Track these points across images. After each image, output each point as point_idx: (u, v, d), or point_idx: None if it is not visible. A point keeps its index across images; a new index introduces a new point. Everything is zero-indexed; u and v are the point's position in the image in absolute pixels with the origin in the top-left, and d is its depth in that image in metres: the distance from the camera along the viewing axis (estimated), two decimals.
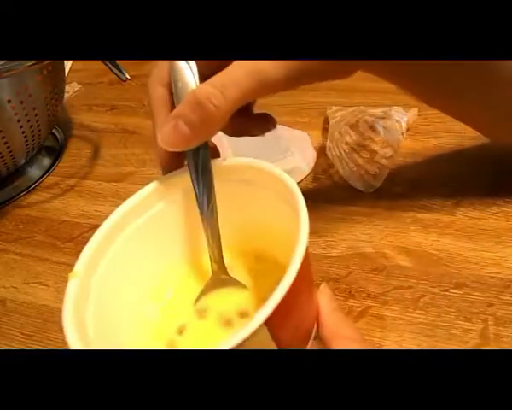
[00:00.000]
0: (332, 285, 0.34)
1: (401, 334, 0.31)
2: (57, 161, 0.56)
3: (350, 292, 0.34)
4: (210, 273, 0.29)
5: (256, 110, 0.34)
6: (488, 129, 0.37)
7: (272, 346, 0.21)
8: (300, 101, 0.54)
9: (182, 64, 0.28)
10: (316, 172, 0.45)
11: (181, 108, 0.26)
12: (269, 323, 0.19)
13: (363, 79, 0.34)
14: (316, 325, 0.25)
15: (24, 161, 0.53)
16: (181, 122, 0.26)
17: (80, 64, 0.77)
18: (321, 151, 0.46)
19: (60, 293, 0.39)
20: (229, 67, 0.26)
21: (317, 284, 0.27)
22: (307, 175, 0.45)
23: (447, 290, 0.32)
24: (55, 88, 0.52)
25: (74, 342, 0.21)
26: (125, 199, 0.28)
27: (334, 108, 0.44)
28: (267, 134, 0.33)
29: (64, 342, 0.21)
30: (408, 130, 0.43)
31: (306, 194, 0.24)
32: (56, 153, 0.58)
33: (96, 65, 0.69)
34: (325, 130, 0.44)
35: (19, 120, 0.48)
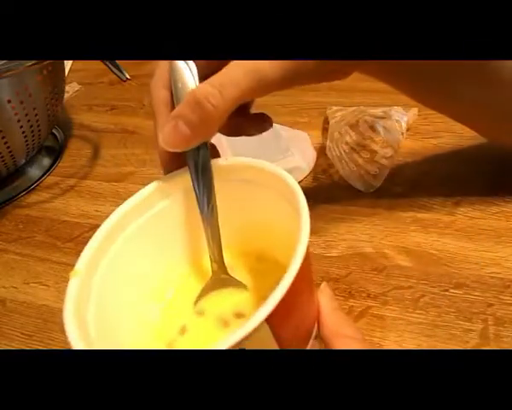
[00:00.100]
0: (332, 285, 0.34)
1: (401, 334, 0.31)
2: (57, 161, 0.56)
3: (350, 292, 0.34)
4: (210, 273, 0.29)
5: (256, 110, 0.34)
6: (487, 130, 0.37)
7: (273, 344, 0.21)
8: (300, 101, 0.54)
9: (181, 65, 0.28)
10: (316, 172, 0.45)
11: (180, 108, 0.27)
12: (270, 321, 0.19)
13: (363, 79, 0.34)
14: (316, 325, 0.25)
15: (24, 161, 0.53)
16: (181, 122, 0.26)
17: (80, 64, 0.77)
18: (321, 151, 0.46)
19: (60, 293, 0.39)
20: (228, 67, 0.27)
21: (317, 283, 0.27)
22: (307, 175, 0.45)
23: (447, 290, 0.32)
24: (55, 88, 0.52)
25: (76, 342, 0.21)
26: (125, 199, 0.28)
27: (334, 108, 0.44)
28: (267, 134, 0.33)
29: (64, 342, 0.21)
30: (408, 130, 0.43)
31: (306, 194, 0.24)
32: (56, 153, 0.58)
33: (96, 65, 0.69)
34: (325, 130, 0.44)
35: (19, 120, 0.48)
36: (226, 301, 0.29)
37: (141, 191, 0.28)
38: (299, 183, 0.25)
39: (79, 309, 0.23)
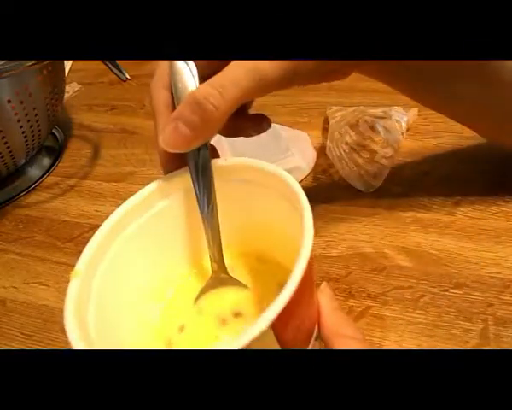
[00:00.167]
0: (332, 285, 0.34)
1: (401, 334, 0.31)
2: (57, 161, 0.56)
3: (350, 292, 0.34)
4: (210, 273, 0.29)
5: (255, 110, 0.34)
6: (487, 130, 0.37)
7: (276, 347, 0.21)
8: (300, 101, 0.54)
9: (181, 65, 0.28)
10: (316, 172, 0.45)
11: (181, 109, 0.27)
12: (274, 325, 0.19)
13: (363, 79, 0.34)
14: (317, 325, 0.25)
15: (24, 161, 0.53)
16: (181, 123, 0.26)
17: (80, 64, 0.77)
18: (321, 151, 0.46)
19: (60, 293, 0.39)
20: (228, 68, 0.27)
21: (317, 283, 0.27)
22: (307, 175, 0.45)
23: (447, 290, 0.32)
24: (55, 88, 0.52)
25: (77, 342, 0.21)
26: (125, 199, 0.28)
27: (334, 108, 0.44)
28: (267, 134, 0.33)
29: (65, 342, 0.21)
30: (408, 130, 0.43)
31: (306, 194, 0.24)
32: (56, 153, 0.58)
33: (96, 65, 0.69)
34: (325, 130, 0.44)
35: (19, 120, 0.48)
36: (225, 300, 0.29)
37: (141, 191, 0.28)
38: (299, 183, 0.25)
39: (80, 309, 0.23)
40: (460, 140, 0.43)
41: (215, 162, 0.28)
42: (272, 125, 0.33)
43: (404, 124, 0.40)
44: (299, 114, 0.53)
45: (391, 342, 0.30)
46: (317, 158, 0.46)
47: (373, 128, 0.40)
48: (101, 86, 0.71)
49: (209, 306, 0.29)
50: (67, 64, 0.75)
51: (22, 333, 0.37)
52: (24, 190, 0.52)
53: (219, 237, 0.29)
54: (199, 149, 0.28)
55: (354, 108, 0.43)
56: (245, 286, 0.29)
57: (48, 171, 0.55)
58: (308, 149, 0.47)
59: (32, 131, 0.50)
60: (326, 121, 0.44)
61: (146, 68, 0.69)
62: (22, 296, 0.40)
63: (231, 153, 0.44)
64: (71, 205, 0.49)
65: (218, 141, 0.40)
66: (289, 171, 0.26)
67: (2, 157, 0.49)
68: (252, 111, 0.34)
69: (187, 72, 0.28)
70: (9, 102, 0.46)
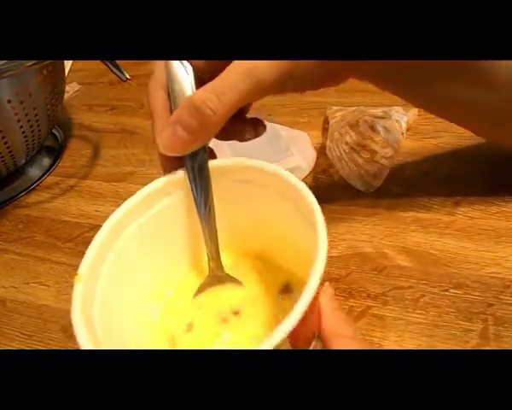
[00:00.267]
0: (332, 285, 0.34)
1: (401, 334, 0.31)
2: (57, 161, 0.56)
3: (350, 292, 0.34)
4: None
5: (255, 110, 0.34)
6: (485, 131, 0.37)
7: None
8: (300, 101, 0.54)
9: (178, 66, 0.29)
10: (316, 172, 0.45)
11: (179, 113, 0.27)
12: (289, 334, 0.20)
13: None
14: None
15: (24, 161, 0.53)
16: (179, 127, 0.27)
17: (80, 64, 0.77)
18: (321, 151, 0.46)
19: (60, 293, 0.39)
20: (225, 72, 0.27)
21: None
22: (307, 175, 0.45)
23: (447, 290, 0.32)
24: (55, 88, 0.52)
25: (85, 343, 0.21)
26: (125, 199, 0.28)
27: (334, 108, 0.44)
28: (267, 134, 0.33)
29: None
30: (408, 130, 0.43)
31: None
32: (56, 153, 0.58)
33: (96, 65, 0.69)
34: (325, 130, 0.44)
35: (19, 120, 0.48)
36: (223, 297, 0.29)
37: (140, 191, 0.28)
38: None
39: (85, 312, 0.23)
40: (460, 140, 0.43)
41: (215, 163, 0.29)
42: (272, 125, 0.33)
43: (404, 124, 0.40)
44: (299, 114, 0.53)
45: (391, 342, 0.30)
46: (317, 158, 0.46)
47: (373, 128, 0.40)
48: (101, 86, 0.71)
49: (208, 303, 0.29)
50: (67, 64, 0.75)
51: (22, 333, 0.37)
52: (24, 190, 0.52)
53: (216, 235, 0.29)
54: (196, 152, 0.28)
55: (354, 108, 0.43)
56: (241, 284, 0.29)
57: (48, 171, 0.55)
58: (308, 149, 0.46)
59: (32, 131, 0.50)
60: (326, 121, 0.44)
61: (146, 68, 0.68)
62: (22, 296, 0.40)
63: (231, 153, 0.44)
64: (71, 205, 0.49)
65: (218, 141, 0.40)
66: (289, 171, 0.26)
67: (2, 157, 0.49)
68: (249, 115, 0.34)
69: (181, 70, 0.28)
70: (9, 102, 0.46)
